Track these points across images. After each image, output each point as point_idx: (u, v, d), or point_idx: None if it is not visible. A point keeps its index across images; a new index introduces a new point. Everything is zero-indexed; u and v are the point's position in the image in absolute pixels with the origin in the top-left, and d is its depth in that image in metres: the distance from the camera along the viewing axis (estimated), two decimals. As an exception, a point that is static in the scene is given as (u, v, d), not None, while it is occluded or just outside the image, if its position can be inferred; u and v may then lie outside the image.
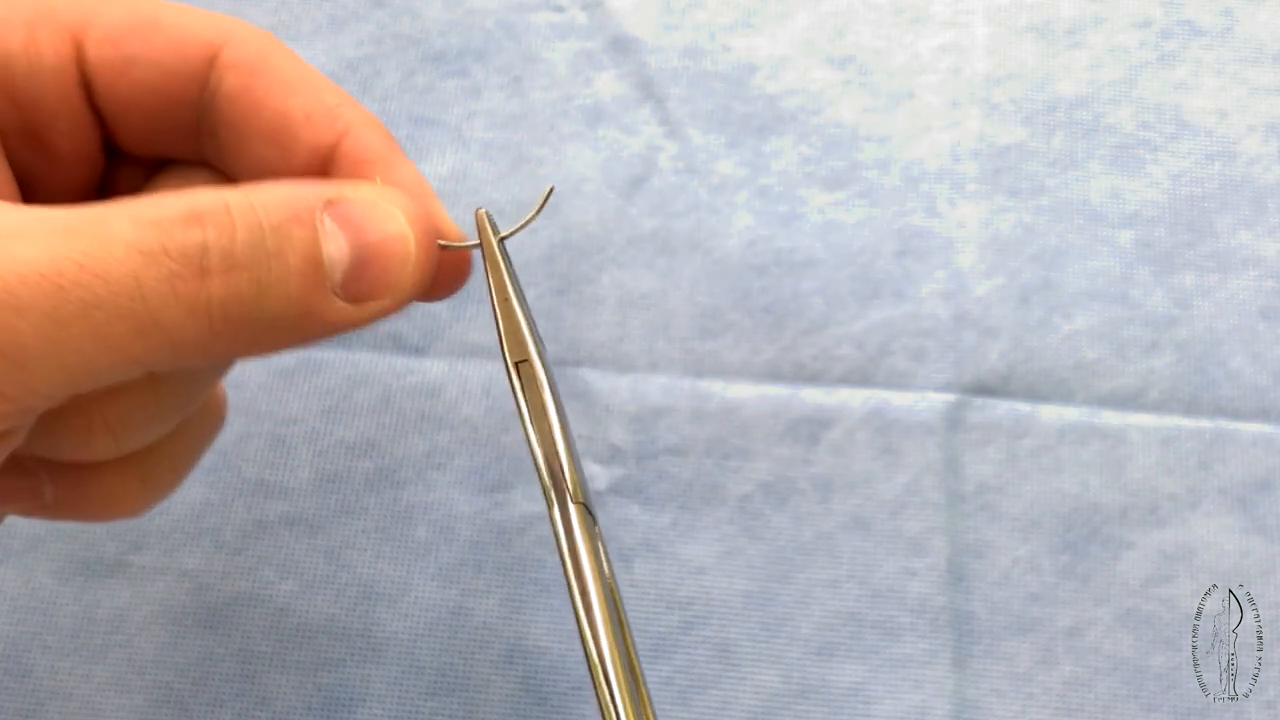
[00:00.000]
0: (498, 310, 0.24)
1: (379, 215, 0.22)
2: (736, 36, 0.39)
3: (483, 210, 0.24)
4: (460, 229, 0.24)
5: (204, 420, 0.27)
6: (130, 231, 0.19)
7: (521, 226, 0.25)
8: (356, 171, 0.24)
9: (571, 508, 0.23)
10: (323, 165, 0.24)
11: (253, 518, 0.33)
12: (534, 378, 0.24)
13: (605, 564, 0.23)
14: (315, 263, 0.21)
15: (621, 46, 0.38)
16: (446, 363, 0.35)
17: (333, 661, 0.32)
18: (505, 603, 0.32)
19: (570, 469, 0.23)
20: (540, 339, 0.24)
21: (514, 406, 0.24)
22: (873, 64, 0.38)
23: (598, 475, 0.34)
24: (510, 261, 0.25)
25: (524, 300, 0.24)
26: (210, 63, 0.24)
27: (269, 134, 0.24)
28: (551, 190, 0.25)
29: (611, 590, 0.23)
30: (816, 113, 0.38)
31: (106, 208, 0.19)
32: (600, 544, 0.23)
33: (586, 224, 0.36)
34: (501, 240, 0.24)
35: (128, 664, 0.32)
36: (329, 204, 0.21)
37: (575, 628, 0.22)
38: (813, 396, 0.34)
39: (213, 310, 0.20)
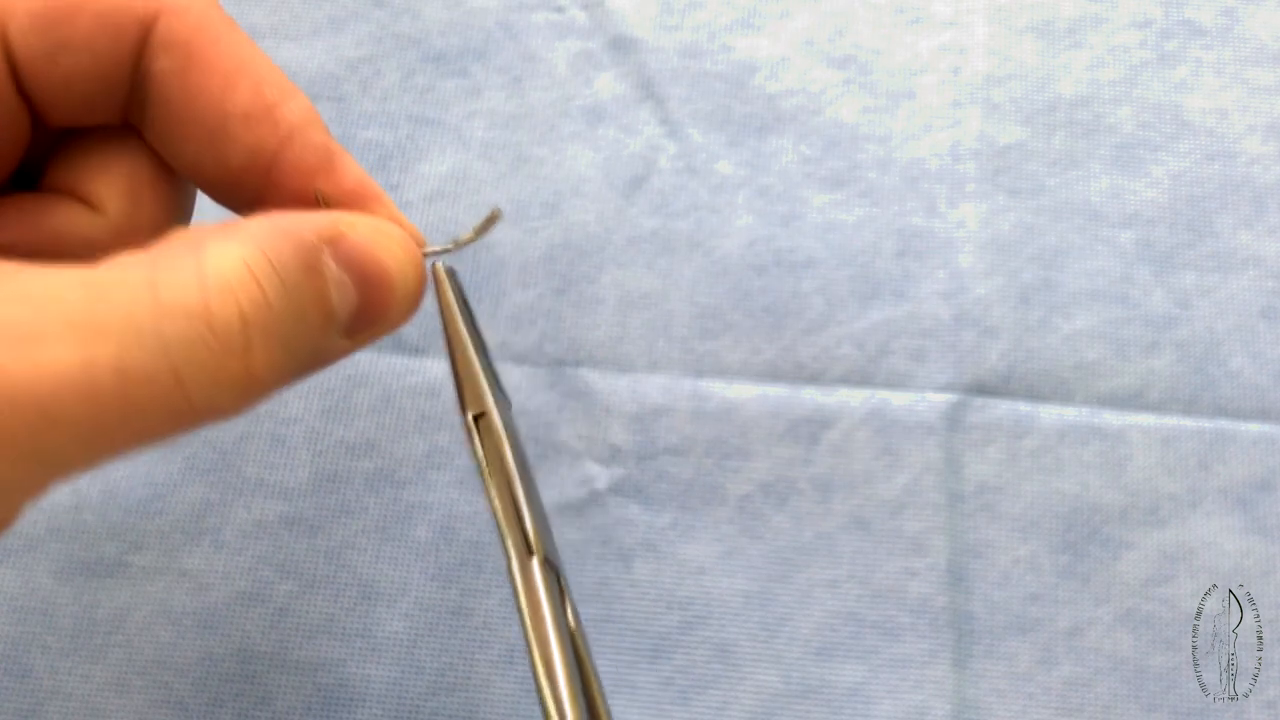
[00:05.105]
0: (455, 360, 0.23)
1: (380, 253, 0.21)
2: (736, 36, 0.39)
3: (440, 265, 0.24)
4: (420, 232, 0.24)
5: None
6: (165, 325, 0.18)
7: (456, 247, 0.24)
8: (301, 182, 0.23)
9: (534, 564, 0.22)
10: (263, 171, 0.23)
11: (253, 518, 0.33)
12: (494, 430, 0.23)
13: (571, 619, 0.22)
14: (329, 314, 0.21)
15: (621, 46, 0.38)
16: (446, 363, 0.35)
17: (333, 661, 0.32)
18: (505, 603, 0.32)
19: (532, 523, 0.22)
20: (501, 390, 0.24)
21: (474, 460, 0.23)
22: (873, 64, 0.38)
23: (598, 475, 0.34)
24: (470, 310, 0.24)
25: (484, 349, 0.24)
26: (144, 38, 0.22)
27: (204, 131, 0.22)
28: (497, 213, 0.24)
29: (578, 648, 0.22)
30: (816, 113, 0.38)
31: (123, 287, 0.18)
32: (568, 600, 0.22)
33: (586, 224, 0.36)
34: (431, 254, 0.23)
35: (128, 664, 0.32)
36: (330, 242, 0.21)
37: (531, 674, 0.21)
38: (813, 396, 0.34)
39: (252, 385, 0.19)
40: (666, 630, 0.32)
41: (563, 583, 0.23)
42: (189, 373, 0.18)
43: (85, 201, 0.22)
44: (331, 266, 0.21)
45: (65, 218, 0.22)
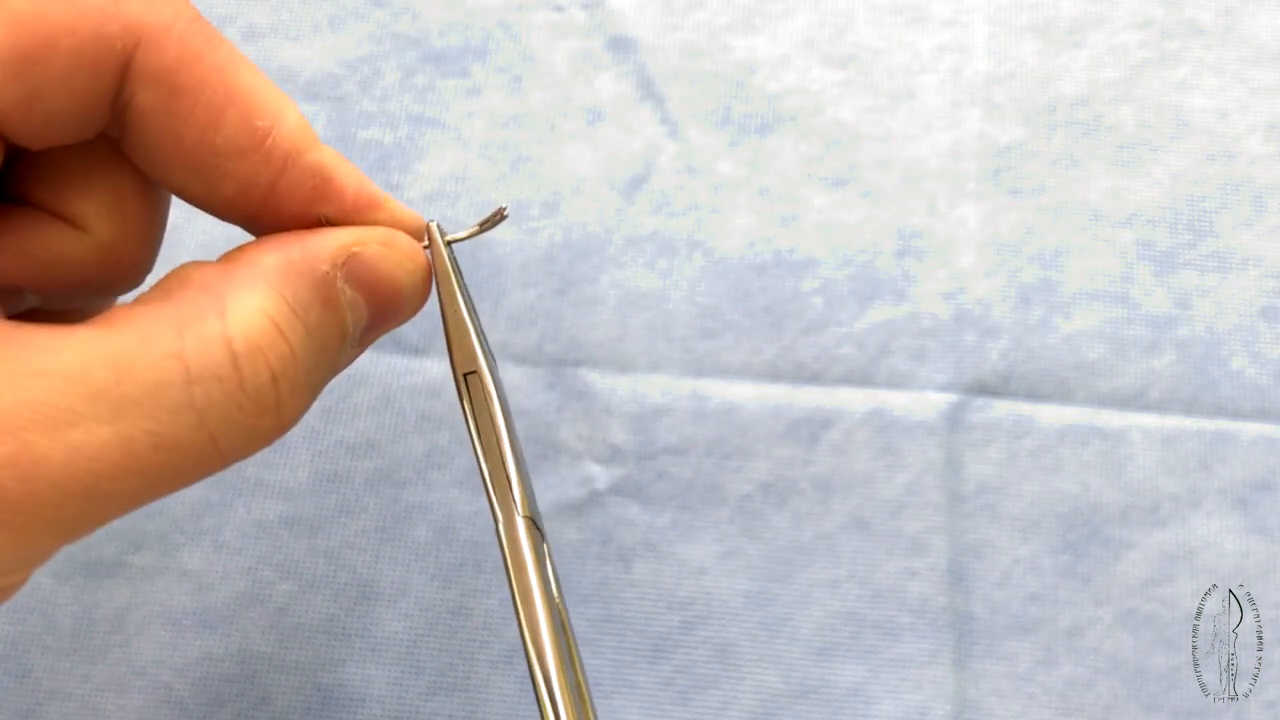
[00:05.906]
0: (446, 320, 0.24)
1: (391, 267, 0.22)
2: (736, 36, 0.39)
3: (433, 222, 0.24)
4: (419, 216, 0.24)
5: None
6: (197, 394, 0.18)
7: (467, 236, 0.24)
8: (299, 207, 0.22)
9: (519, 521, 0.22)
10: (257, 200, 0.22)
11: (252, 518, 0.33)
12: (483, 389, 0.23)
13: (552, 581, 0.23)
14: (345, 337, 0.21)
15: (621, 46, 0.38)
16: (446, 363, 0.35)
17: (333, 661, 0.32)
18: (505, 603, 0.32)
19: (518, 482, 0.23)
20: (489, 350, 0.24)
21: (463, 419, 0.24)
22: (873, 64, 0.38)
23: (598, 475, 0.34)
24: (460, 271, 0.24)
25: (474, 310, 0.24)
26: (124, 69, 0.20)
27: (194, 168, 0.21)
28: (503, 211, 0.24)
29: (559, 608, 0.22)
30: (816, 113, 0.38)
31: (150, 357, 0.18)
32: (549, 560, 0.23)
33: (586, 224, 0.36)
34: (449, 244, 0.24)
35: (127, 664, 0.32)
36: (342, 266, 0.21)
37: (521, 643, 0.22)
38: (813, 396, 0.34)
39: (282, 432, 0.20)
40: (666, 630, 0.32)
41: (546, 544, 0.23)
42: (224, 435, 0.19)
43: (68, 220, 0.22)
44: (346, 291, 0.21)
45: (52, 242, 0.22)
